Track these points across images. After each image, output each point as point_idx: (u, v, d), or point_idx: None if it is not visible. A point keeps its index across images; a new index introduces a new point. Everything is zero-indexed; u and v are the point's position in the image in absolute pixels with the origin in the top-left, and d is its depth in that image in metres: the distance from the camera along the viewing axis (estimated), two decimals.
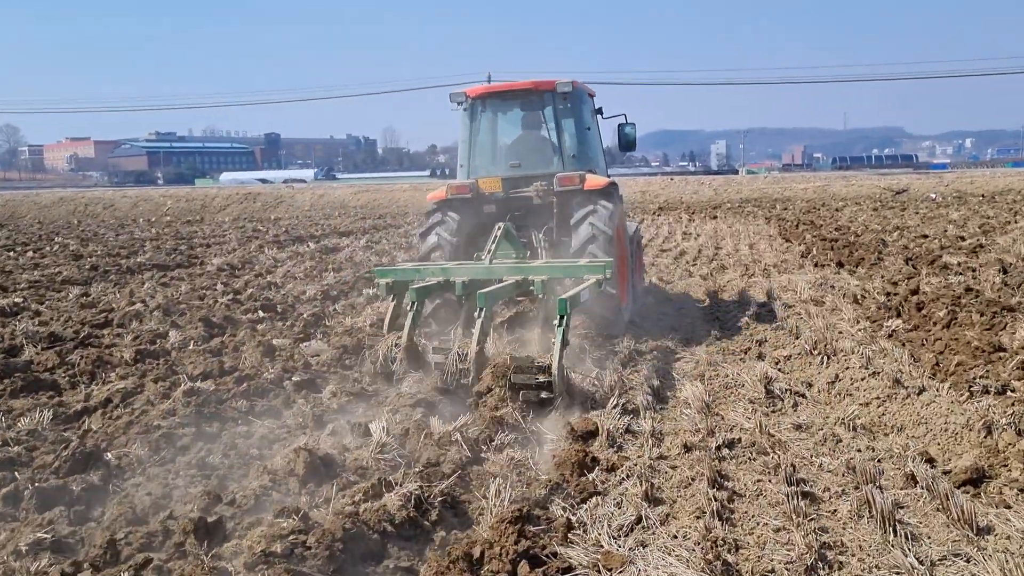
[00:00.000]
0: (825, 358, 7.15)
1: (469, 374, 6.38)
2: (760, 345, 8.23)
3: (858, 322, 8.97)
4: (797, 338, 8.11)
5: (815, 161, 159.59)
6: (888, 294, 10.88)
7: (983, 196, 33.46)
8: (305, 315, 9.96)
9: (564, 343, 6.17)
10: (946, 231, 18.85)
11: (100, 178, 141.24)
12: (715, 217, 29.59)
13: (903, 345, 7.71)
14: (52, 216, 43.45)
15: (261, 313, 9.86)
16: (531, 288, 7.16)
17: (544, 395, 5.90)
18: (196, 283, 13.17)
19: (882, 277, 12.16)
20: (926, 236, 17.89)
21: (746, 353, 7.97)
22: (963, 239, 16.62)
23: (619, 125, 10.32)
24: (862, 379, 6.47)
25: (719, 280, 13.55)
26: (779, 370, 7.13)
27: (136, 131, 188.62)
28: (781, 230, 21.88)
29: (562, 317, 6.24)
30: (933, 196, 34.42)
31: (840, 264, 14.27)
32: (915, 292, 10.29)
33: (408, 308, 7.07)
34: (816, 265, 14.18)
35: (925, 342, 7.58)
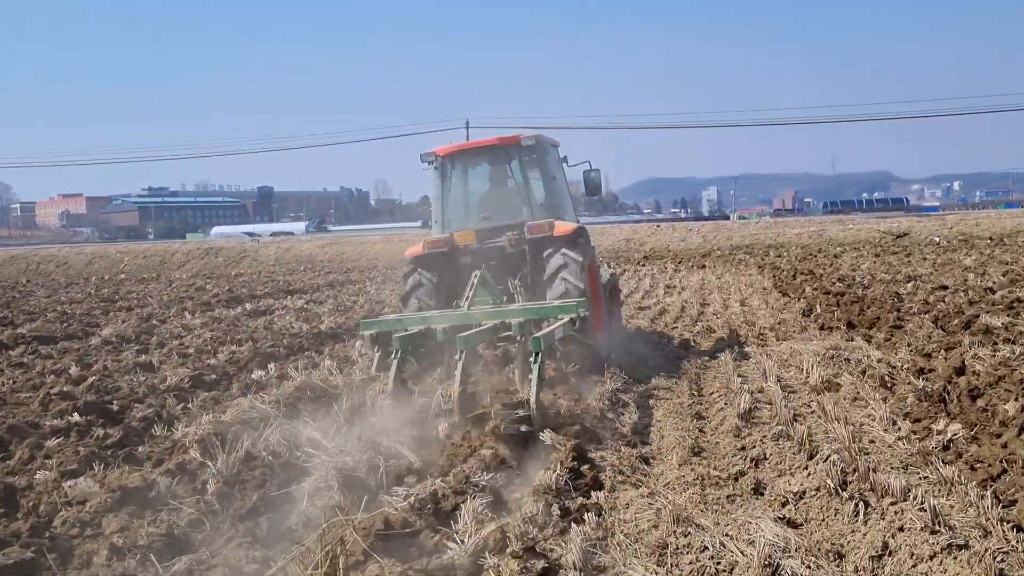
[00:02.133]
0: (861, 505, 4.52)
1: (453, 414, 6.62)
2: (756, 467, 5.62)
3: (894, 423, 6.39)
4: (812, 457, 5.49)
5: (806, 206, 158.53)
6: (922, 371, 8.30)
7: (991, 239, 31.18)
8: (137, 417, 7.32)
9: (541, 378, 6.48)
10: (967, 281, 16.36)
11: (91, 234, 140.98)
12: (703, 266, 27.16)
13: (972, 468, 5.13)
14: (3, 275, 40.88)
15: (76, 417, 7.21)
16: (509, 331, 7.37)
17: (523, 428, 6.10)
18: (47, 365, 10.54)
19: (909, 346, 9.58)
20: (945, 288, 15.38)
21: (736, 482, 5.35)
22: (991, 291, 14.11)
23: (584, 172, 10.55)
24: (931, 556, 3.84)
25: (702, 344, 10.99)
26: (788, 523, 4.50)
27: (129, 187, 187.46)
28: (777, 281, 19.39)
29: (537, 354, 6.49)
30: (936, 239, 32.14)
31: (851, 326, 11.72)
32: (960, 371, 7.73)
33: (392, 357, 7.30)
34: (822, 328, 11.63)
35: (1007, 466, 4.98)
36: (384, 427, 6.34)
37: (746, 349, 10.36)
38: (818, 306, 13.50)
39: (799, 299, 15.42)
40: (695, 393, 7.95)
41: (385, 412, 6.74)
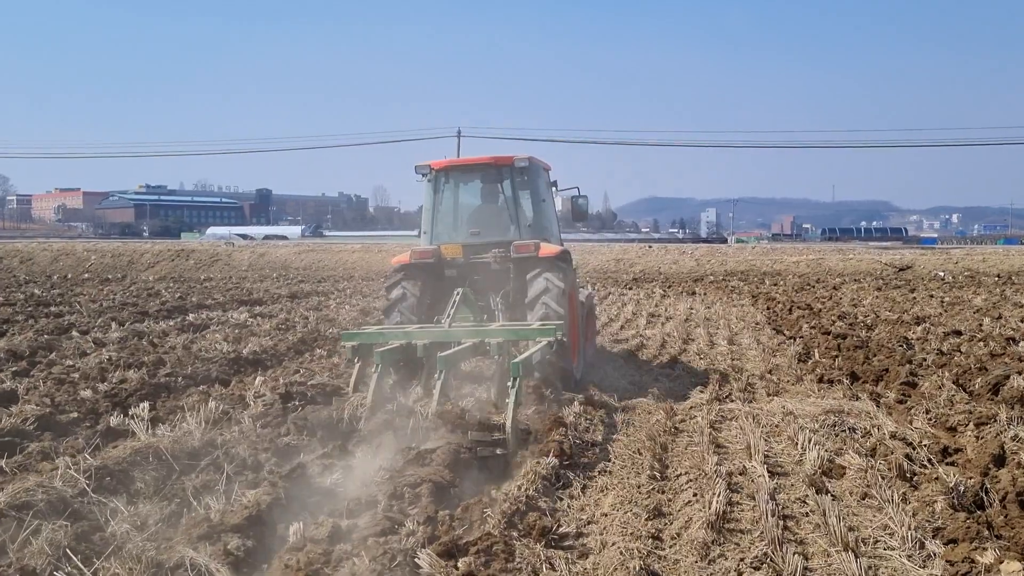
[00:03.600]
0: None
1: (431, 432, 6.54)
2: None
3: (922, 545, 4.63)
4: None
5: (804, 232, 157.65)
6: (947, 452, 6.59)
7: (998, 276, 29.52)
8: None
9: (517, 403, 6.59)
10: (981, 326, 14.66)
11: (86, 229, 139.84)
12: (694, 293, 25.41)
13: None
14: None
15: None
16: (487, 350, 7.56)
17: (499, 451, 6.20)
18: None
19: (928, 413, 7.86)
20: (959, 334, 13.68)
21: None
22: (1013, 341, 12.40)
23: (572, 197, 10.82)
24: None
25: (677, 391, 9.24)
26: None
27: (128, 183, 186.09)
28: (771, 316, 17.65)
29: (515, 379, 6.58)
30: (941, 275, 30.48)
31: (855, 378, 10.00)
32: (1000, 460, 6.00)
33: (373, 370, 7.39)
34: (821, 380, 9.87)
35: None
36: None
37: (730, 405, 8.59)
38: (816, 351, 11.75)
39: (795, 339, 13.69)
40: (657, 473, 6.17)
41: None
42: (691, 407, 8.62)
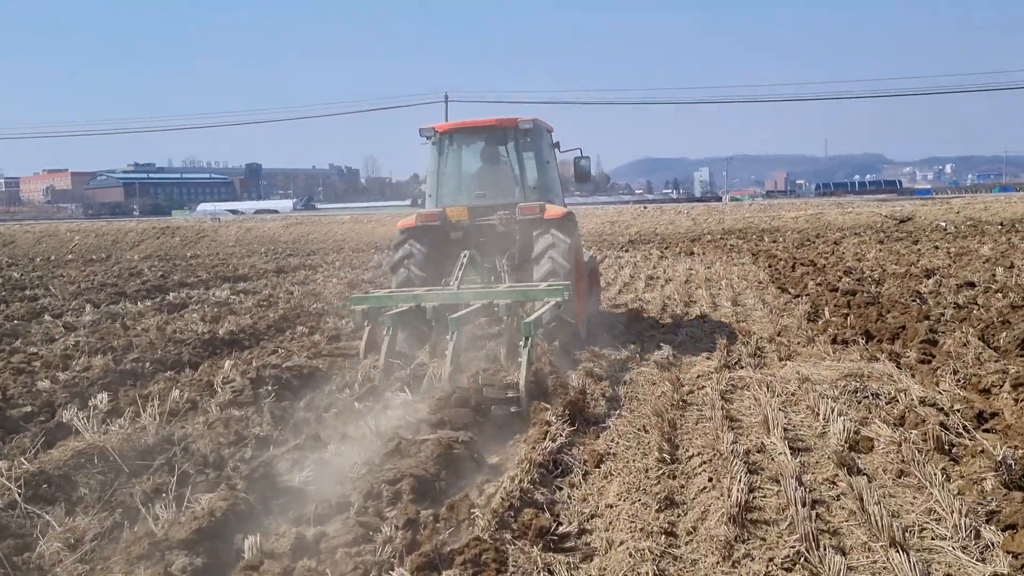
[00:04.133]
0: None
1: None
2: None
3: (977, 535, 4.02)
4: None
5: (798, 188, 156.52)
6: (982, 417, 6.00)
7: (1001, 225, 28.85)
8: None
9: (530, 361, 6.61)
10: (995, 276, 14.04)
11: (75, 210, 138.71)
12: (692, 253, 24.73)
13: None
14: None
15: None
16: (496, 311, 7.60)
17: (513, 408, 6.32)
18: None
19: (956, 373, 7.24)
20: (973, 285, 13.06)
21: None
22: None
23: (575, 158, 10.75)
24: None
25: (683, 360, 8.62)
26: None
27: (115, 162, 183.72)
28: (774, 273, 16.99)
29: (527, 339, 6.60)
30: (943, 224, 29.82)
31: (870, 337, 9.37)
32: None
33: (384, 333, 7.39)
34: (835, 341, 9.24)
35: None
36: None
37: (740, 373, 7.97)
38: (826, 310, 11.11)
39: (801, 296, 13.06)
40: (667, 455, 5.54)
41: None
42: (698, 376, 7.99)
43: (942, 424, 5.71)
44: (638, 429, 6.31)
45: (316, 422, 6.31)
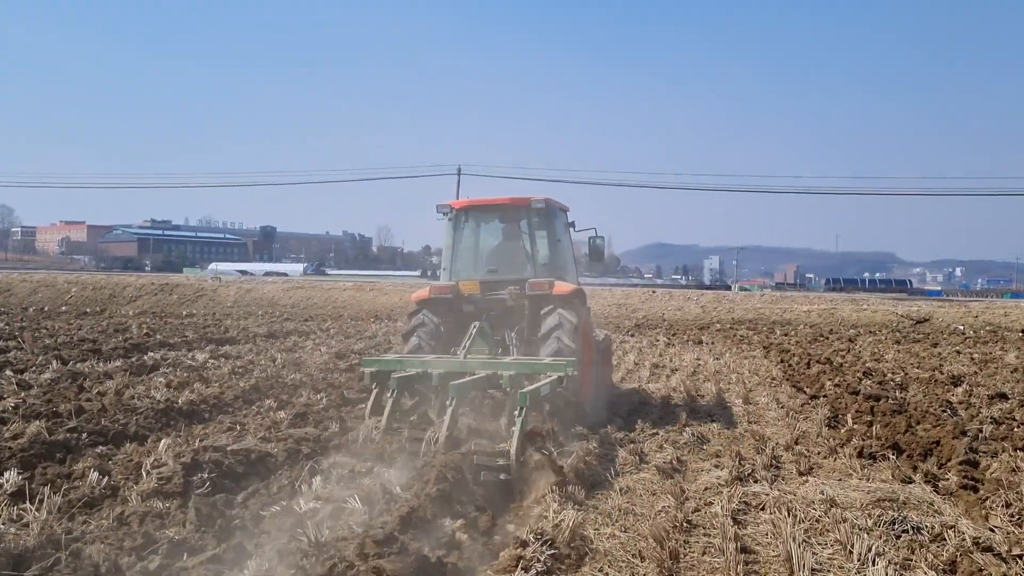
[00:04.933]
0: None
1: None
2: None
3: None
4: None
5: (808, 281, 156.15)
6: None
7: (1022, 332, 27.82)
8: None
9: (524, 431, 6.69)
10: None
11: (88, 262, 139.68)
12: (700, 342, 23.73)
13: None
14: None
15: None
16: (500, 382, 7.52)
17: (503, 476, 6.37)
18: None
19: (1008, 506, 6.18)
20: (1005, 396, 12.04)
21: None
22: None
23: (590, 238, 11.12)
24: None
25: (689, 469, 7.57)
26: None
27: (133, 218, 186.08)
28: (787, 370, 15.96)
29: (522, 408, 6.75)
30: (961, 328, 28.80)
31: (898, 450, 8.32)
32: None
33: (389, 395, 7.59)
34: (861, 455, 8.18)
35: None
36: None
37: (754, 488, 6.90)
38: (848, 416, 10.07)
39: (818, 397, 12.02)
40: None
41: None
42: (705, 488, 6.93)
43: None
44: (633, 555, 5.25)
45: (249, 525, 5.29)
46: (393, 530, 4.83)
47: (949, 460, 7.85)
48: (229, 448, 6.78)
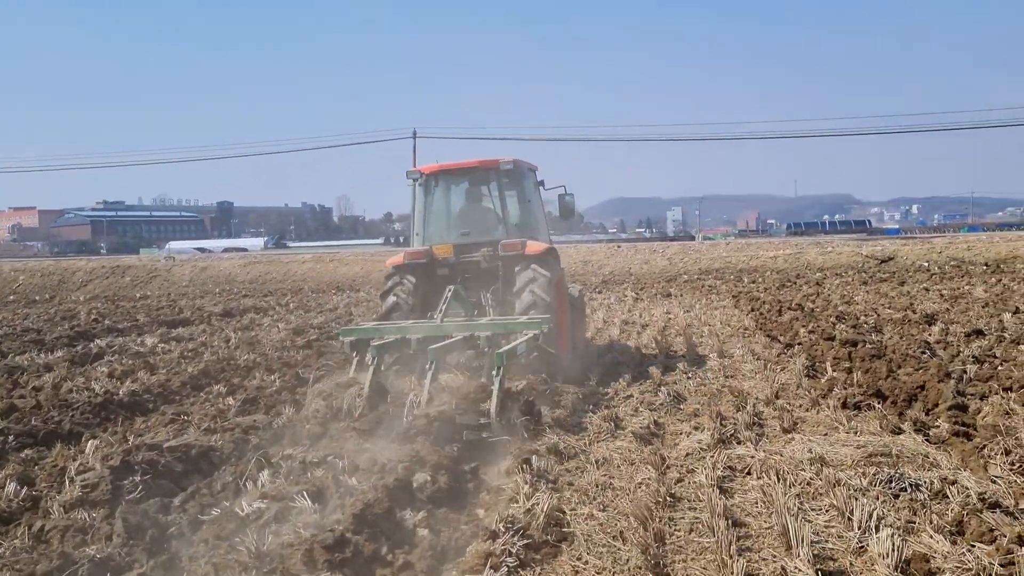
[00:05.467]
0: None
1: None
2: None
3: None
4: None
5: (770, 227, 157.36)
6: None
7: (986, 265, 27.93)
8: None
9: (502, 388, 6.94)
10: (1003, 322, 12.79)
11: (41, 248, 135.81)
12: (669, 295, 23.40)
13: None
14: None
15: None
16: (477, 343, 7.74)
17: (484, 434, 6.61)
18: None
19: (1007, 454, 5.81)
20: (982, 333, 11.79)
21: None
22: None
23: (559, 196, 11.14)
24: None
25: (667, 432, 7.13)
26: None
27: (85, 200, 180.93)
28: (759, 318, 15.63)
29: (499, 367, 6.97)
30: (926, 265, 28.85)
31: (881, 397, 7.98)
32: None
33: (369, 362, 7.66)
34: (845, 406, 7.79)
35: None
36: None
37: (739, 450, 6.47)
38: (827, 364, 9.71)
39: (793, 346, 11.68)
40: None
41: None
42: (687, 455, 6.48)
43: (1020, 538, 4.25)
44: (613, 537, 4.78)
45: (186, 532, 4.72)
46: (346, 531, 4.29)
47: (936, 405, 7.50)
48: (167, 445, 6.15)
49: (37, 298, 32.47)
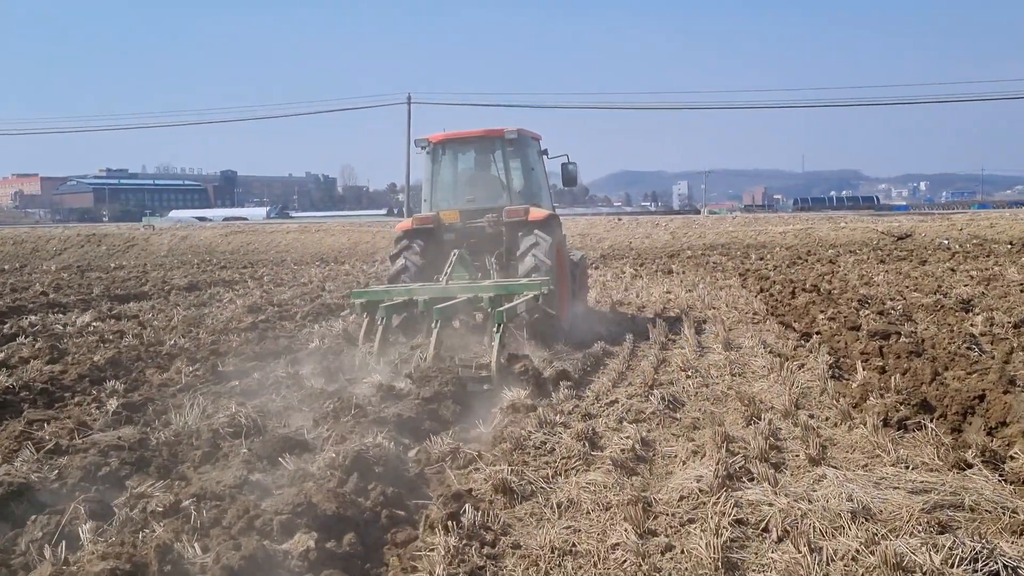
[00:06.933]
0: None
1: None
2: None
3: None
4: None
5: (776, 202, 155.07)
6: None
7: (1011, 244, 26.10)
8: None
9: (502, 345, 7.56)
10: None
11: (44, 216, 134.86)
12: (670, 272, 21.67)
13: None
14: None
15: None
16: (481, 304, 8.18)
17: (485, 386, 7.11)
18: None
19: None
20: None
21: None
22: None
23: (562, 164, 11.64)
24: None
25: (655, 462, 5.47)
26: None
27: (88, 168, 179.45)
28: (769, 301, 13.91)
29: (500, 325, 7.56)
30: (946, 243, 27.05)
31: (927, 409, 6.29)
32: None
33: (379, 322, 8.30)
34: (887, 423, 6.10)
35: None
36: None
37: (749, 493, 4.77)
38: (857, 362, 8.00)
39: (811, 335, 9.99)
40: None
41: None
42: (681, 498, 4.79)
43: None
44: None
45: None
46: None
47: (1005, 424, 5.81)
48: None
49: (6, 267, 30.89)
